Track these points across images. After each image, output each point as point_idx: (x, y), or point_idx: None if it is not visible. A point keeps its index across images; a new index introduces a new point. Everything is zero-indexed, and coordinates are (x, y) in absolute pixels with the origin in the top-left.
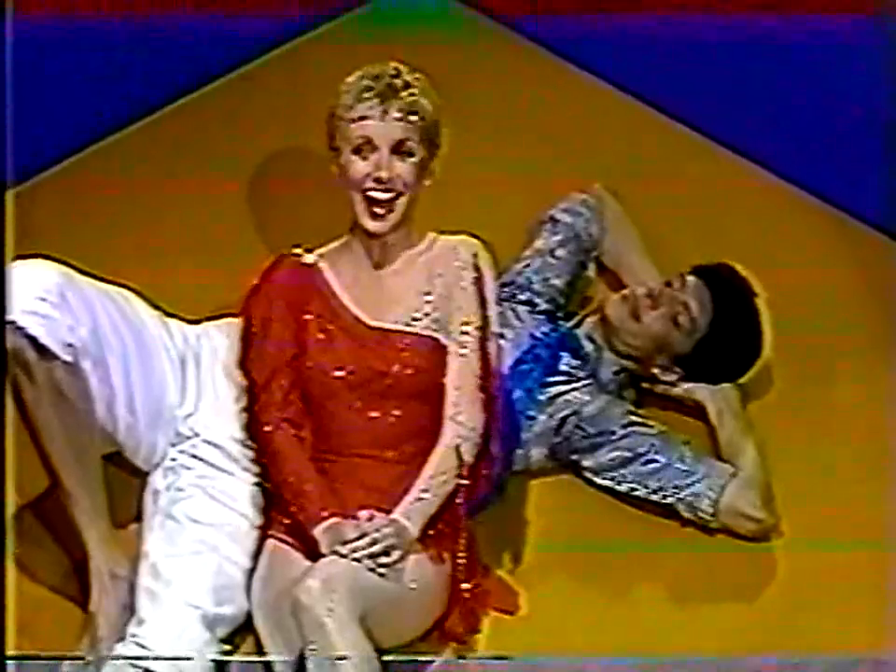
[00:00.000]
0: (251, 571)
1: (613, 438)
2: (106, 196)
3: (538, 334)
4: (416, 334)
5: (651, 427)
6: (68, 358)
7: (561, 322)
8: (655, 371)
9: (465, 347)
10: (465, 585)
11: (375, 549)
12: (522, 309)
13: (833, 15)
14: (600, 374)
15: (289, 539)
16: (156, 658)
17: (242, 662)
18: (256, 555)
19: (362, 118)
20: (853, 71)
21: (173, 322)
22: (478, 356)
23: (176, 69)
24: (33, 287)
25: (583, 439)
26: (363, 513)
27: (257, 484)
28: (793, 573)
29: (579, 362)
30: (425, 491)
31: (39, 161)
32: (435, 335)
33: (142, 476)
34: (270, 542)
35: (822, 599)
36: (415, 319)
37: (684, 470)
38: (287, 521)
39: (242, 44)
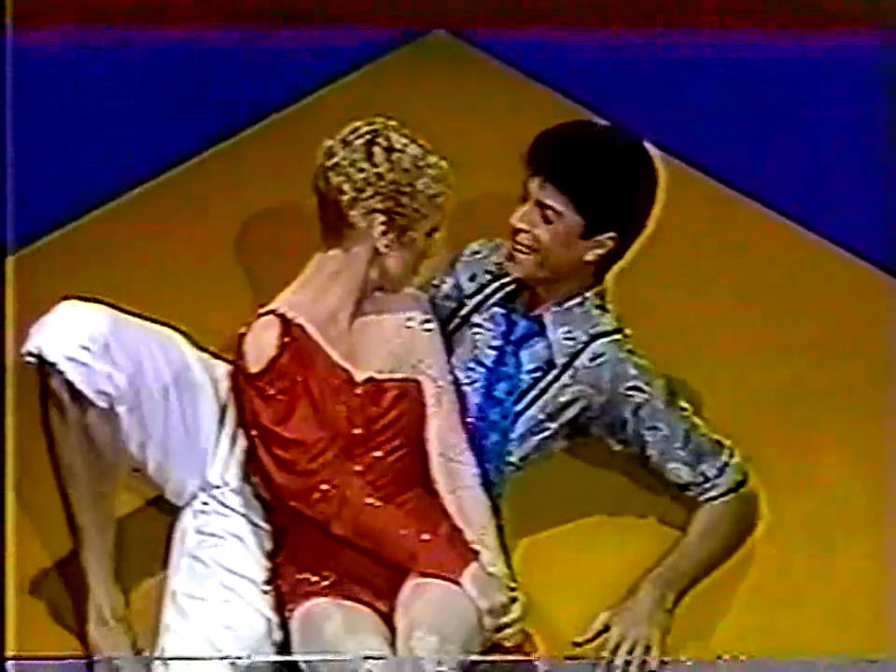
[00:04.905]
0: (271, 621)
1: (626, 422)
2: (109, 259)
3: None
4: (402, 380)
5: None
6: (103, 405)
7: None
8: (590, 257)
9: (441, 390)
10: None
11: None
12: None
13: (831, 47)
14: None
15: (330, 593)
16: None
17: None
18: (278, 608)
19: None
20: (852, 108)
21: (221, 367)
22: (453, 394)
23: (179, 134)
24: (78, 334)
25: (602, 427)
26: None
27: None
28: (791, 574)
29: (536, 343)
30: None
31: (40, 225)
32: (416, 378)
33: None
34: (301, 608)
35: (821, 600)
36: (394, 367)
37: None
38: (331, 577)
39: (241, 108)
